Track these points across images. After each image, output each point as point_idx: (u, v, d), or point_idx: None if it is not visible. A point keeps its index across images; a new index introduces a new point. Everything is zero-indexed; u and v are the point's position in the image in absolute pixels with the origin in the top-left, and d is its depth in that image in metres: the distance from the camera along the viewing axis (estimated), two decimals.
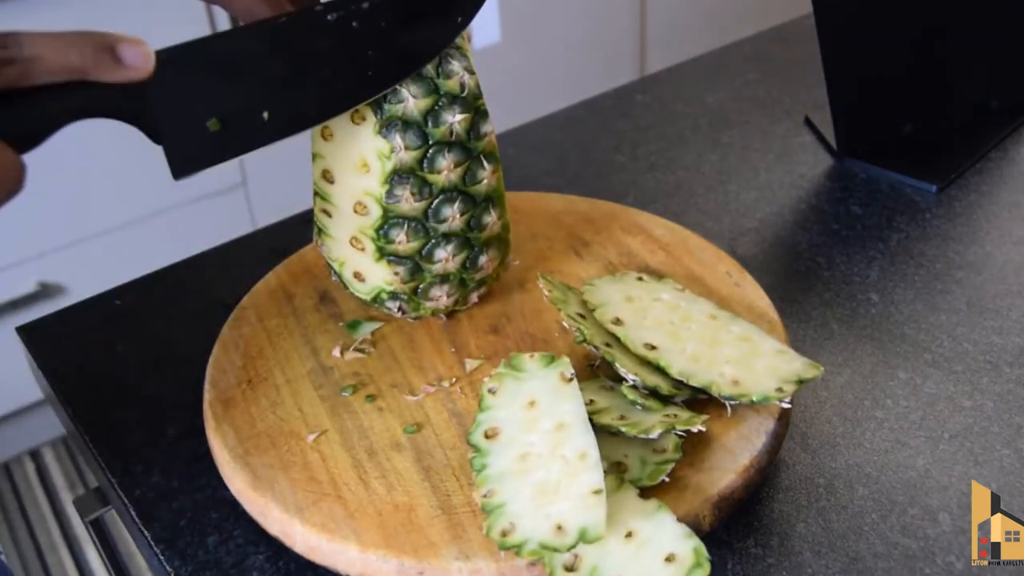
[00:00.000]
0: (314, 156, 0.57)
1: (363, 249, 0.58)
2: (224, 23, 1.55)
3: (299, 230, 0.77)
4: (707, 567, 0.44)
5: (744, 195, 0.83)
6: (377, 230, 0.57)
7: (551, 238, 0.71)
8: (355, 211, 0.57)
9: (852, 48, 0.84)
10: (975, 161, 0.86)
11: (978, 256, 0.73)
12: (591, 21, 2.05)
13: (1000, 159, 0.86)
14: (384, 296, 0.60)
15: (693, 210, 0.81)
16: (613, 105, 0.99)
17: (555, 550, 0.44)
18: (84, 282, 1.47)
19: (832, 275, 0.72)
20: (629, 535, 0.46)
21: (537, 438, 0.49)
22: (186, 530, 0.53)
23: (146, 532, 0.53)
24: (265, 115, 0.49)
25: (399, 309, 0.61)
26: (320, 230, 0.60)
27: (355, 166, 0.56)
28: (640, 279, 0.62)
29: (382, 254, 0.58)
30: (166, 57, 0.45)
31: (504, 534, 0.46)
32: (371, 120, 0.55)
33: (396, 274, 0.58)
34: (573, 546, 0.44)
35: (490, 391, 0.52)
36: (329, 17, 0.49)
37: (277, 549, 0.52)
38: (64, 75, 0.42)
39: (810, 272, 0.73)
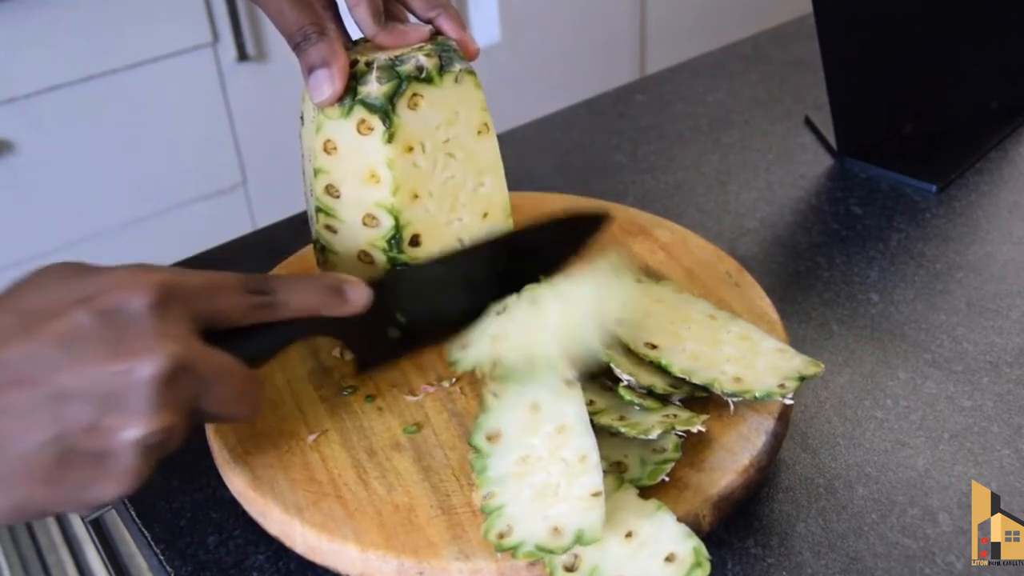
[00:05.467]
0: (316, 172, 0.57)
1: (372, 262, 0.58)
2: (224, 23, 1.55)
3: (299, 230, 0.77)
4: (707, 567, 0.44)
5: (744, 195, 0.83)
6: (389, 241, 0.57)
7: None
8: (364, 224, 0.57)
9: (852, 48, 0.84)
10: (975, 161, 0.86)
11: (978, 256, 0.73)
12: (591, 21, 2.05)
13: (1000, 159, 0.86)
14: None
15: (693, 210, 0.81)
16: (613, 105, 0.99)
17: (551, 552, 0.44)
18: None
19: (832, 275, 0.72)
20: (629, 535, 0.46)
21: (538, 440, 0.49)
22: (186, 530, 0.53)
23: (146, 532, 0.53)
24: (433, 324, 0.58)
25: None
26: (324, 248, 0.59)
27: (363, 178, 0.56)
28: (638, 281, 0.62)
29: (394, 265, 0.58)
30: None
31: (501, 536, 0.46)
32: (379, 130, 0.55)
33: None
34: (569, 548, 0.44)
35: (494, 395, 0.53)
36: (488, 252, 0.59)
37: (277, 549, 0.52)
38: (302, 313, 0.51)
39: (810, 272, 0.73)
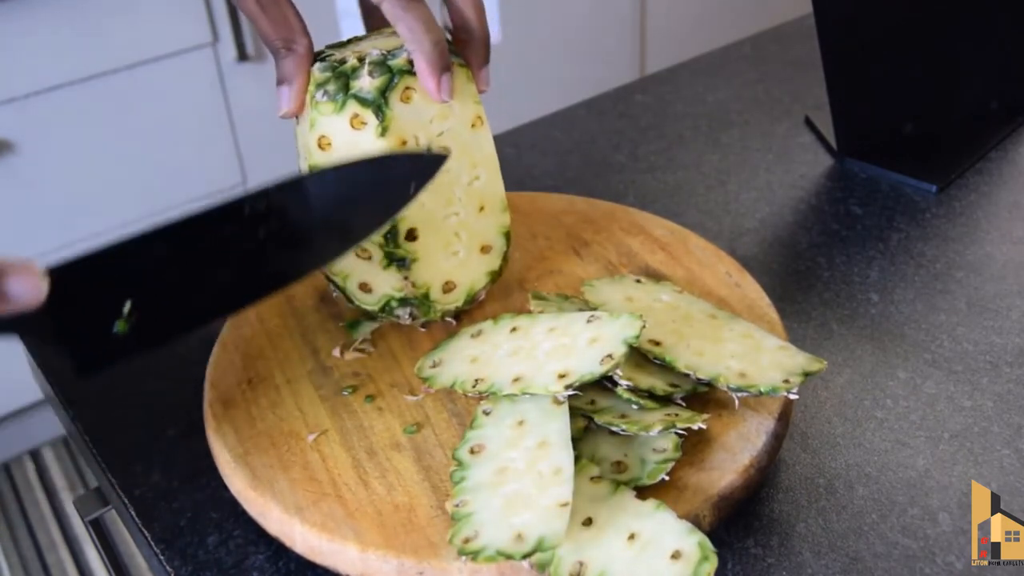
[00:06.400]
0: (311, 169, 0.57)
1: (369, 258, 0.58)
2: (224, 23, 1.55)
3: None
4: (715, 560, 0.44)
5: (744, 195, 0.83)
6: (385, 235, 0.57)
7: (551, 238, 0.71)
8: None
9: (852, 48, 0.84)
10: (975, 161, 0.86)
11: (978, 256, 0.73)
12: (591, 21, 2.05)
13: (1000, 159, 0.86)
14: (393, 304, 0.60)
15: (693, 210, 0.81)
16: (613, 105, 0.99)
17: (510, 557, 0.44)
18: None
19: (832, 275, 0.72)
20: (631, 537, 0.46)
21: (517, 454, 0.50)
22: (186, 530, 0.53)
23: (146, 532, 0.53)
24: (182, 306, 0.46)
25: (410, 315, 0.61)
26: None
27: None
28: (638, 281, 0.62)
29: (391, 260, 0.58)
30: (63, 270, 0.42)
31: (466, 541, 0.46)
32: (372, 124, 0.55)
33: (406, 278, 0.58)
34: (529, 554, 0.44)
35: (485, 412, 0.53)
36: (245, 209, 0.47)
37: (277, 549, 0.52)
38: None
39: (810, 272, 0.73)
